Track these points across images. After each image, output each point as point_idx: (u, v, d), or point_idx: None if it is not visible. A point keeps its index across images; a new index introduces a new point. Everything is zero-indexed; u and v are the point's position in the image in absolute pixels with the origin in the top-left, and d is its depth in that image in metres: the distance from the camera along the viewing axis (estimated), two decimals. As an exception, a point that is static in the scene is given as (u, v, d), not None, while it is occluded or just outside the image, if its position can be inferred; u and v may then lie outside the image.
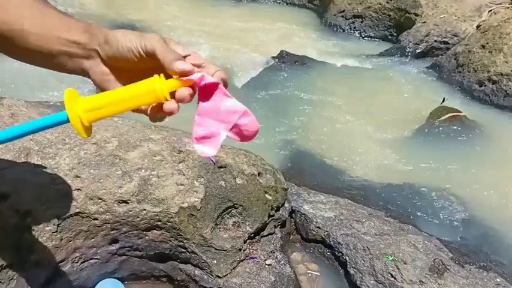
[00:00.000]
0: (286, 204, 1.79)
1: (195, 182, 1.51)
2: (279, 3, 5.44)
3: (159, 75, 0.61)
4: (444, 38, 4.02)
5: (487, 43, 3.48)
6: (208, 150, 0.64)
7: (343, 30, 4.69)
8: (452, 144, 2.68)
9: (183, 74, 0.61)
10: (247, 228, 1.57)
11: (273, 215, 1.68)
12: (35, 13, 0.67)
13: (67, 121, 0.60)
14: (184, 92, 0.61)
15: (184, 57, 0.64)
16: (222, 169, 1.60)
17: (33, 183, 1.34)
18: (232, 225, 1.56)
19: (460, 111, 2.94)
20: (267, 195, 1.67)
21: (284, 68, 3.61)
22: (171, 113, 0.62)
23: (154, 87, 0.60)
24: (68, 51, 0.66)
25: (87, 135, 0.62)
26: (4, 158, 1.37)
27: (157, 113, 0.65)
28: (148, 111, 0.66)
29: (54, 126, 0.61)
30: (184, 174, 1.52)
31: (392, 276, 1.59)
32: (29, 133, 0.61)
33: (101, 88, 0.68)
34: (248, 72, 3.59)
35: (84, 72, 0.68)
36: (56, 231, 1.34)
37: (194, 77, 0.60)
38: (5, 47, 0.70)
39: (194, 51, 0.67)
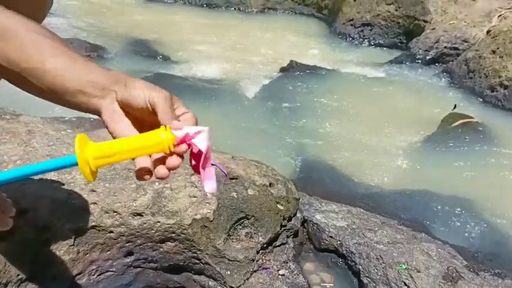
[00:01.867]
0: (298, 214, 1.80)
1: (208, 194, 1.54)
2: (288, 13, 5.48)
3: (165, 127, 0.65)
4: (454, 44, 4.02)
5: (498, 48, 3.47)
6: (211, 185, 0.71)
7: (353, 39, 4.72)
8: (465, 150, 2.67)
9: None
10: (260, 238, 1.59)
11: (285, 225, 1.70)
12: (56, 53, 0.70)
13: (75, 164, 0.63)
14: (175, 162, 0.66)
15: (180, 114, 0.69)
16: (233, 180, 1.62)
17: (50, 198, 1.38)
18: (245, 236, 1.58)
19: (472, 117, 2.94)
20: (278, 206, 1.69)
21: (294, 78, 3.64)
22: (173, 168, 0.66)
23: (160, 138, 0.64)
24: (86, 91, 0.69)
25: (93, 179, 0.66)
26: (22, 174, 1.41)
27: (158, 165, 0.67)
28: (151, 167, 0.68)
29: (63, 168, 0.64)
30: (196, 187, 1.55)
31: (405, 284, 1.59)
32: (39, 173, 0.64)
33: (109, 127, 0.70)
34: (258, 83, 3.62)
35: (97, 112, 0.70)
36: (73, 245, 1.38)
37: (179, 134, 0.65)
38: (18, 82, 0.73)
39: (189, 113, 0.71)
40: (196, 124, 0.70)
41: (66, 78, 0.69)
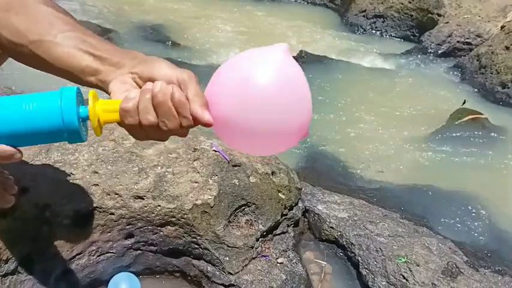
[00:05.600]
0: (299, 204, 1.80)
1: (209, 179, 1.54)
2: (300, 2, 5.43)
3: None
4: (467, 38, 3.96)
5: (511, 44, 3.41)
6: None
7: (364, 30, 4.66)
8: (472, 146, 2.64)
9: (200, 120, 0.65)
10: (260, 226, 1.59)
11: (286, 214, 1.70)
12: (67, 28, 0.70)
13: (87, 118, 0.66)
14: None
15: None
16: (236, 167, 1.62)
17: (52, 177, 1.39)
18: (245, 223, 1.58)
19: (481, 113, 2.90)
20: (280, 194, 1.69)
21: (303, 68, 3.59)
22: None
23: None
24: (96, 67, 0.68)
25: (101, 134, 0.68)
26: (26, 152, 1.42)
27: None
28: None
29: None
30: (198, 172, 1.55)
31: (404, 278, 1.59)
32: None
33: (115, 95, 0.69)
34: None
35: (105, 84, 0.69)
36: (74, 225, 1.39)
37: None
38: (24, 57, 0.72)
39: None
40: None
41: (78, 52, 0.68)
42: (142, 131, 0.67)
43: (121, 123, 0.67)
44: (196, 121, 0.65)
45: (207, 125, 0.65)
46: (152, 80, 0.66)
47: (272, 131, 0.66)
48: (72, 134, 0.65)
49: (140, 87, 0.67)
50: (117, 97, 0.67)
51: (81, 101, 0.68)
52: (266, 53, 0.67)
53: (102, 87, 0.70)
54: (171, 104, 0.63)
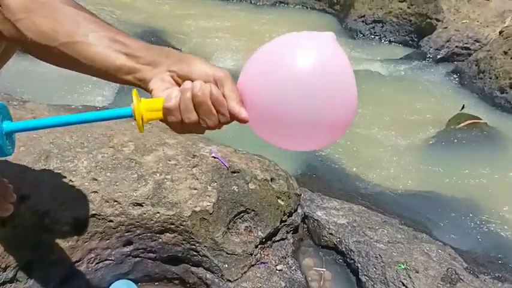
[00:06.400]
0: (299, 210, 1.80)
1: (208, 186, 1.54)
2: (300, 7, 5.45)
3: None
4: (466, 43, 3.97)
5: (510, 49, 3.42)
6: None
7: (363, 35, 4.68)
8: (471, 151, 2.64)
9: (237, 117, 0.67)
10: (259, 233, 1.59)
11: (285, 221, 1.70)
12: (96, 28, 0.70)
13: (131, 116, 0.68)
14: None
15: None
16: (235, 174, 1.62)
17: (52, 185, 1.39)
18: (244, 229, 1.58)
19: (480, 118, 2.90)
20: (279, 201, 1.69)
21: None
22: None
23: None
24: (132, 66, 0.69)
25: (143, 131, 0.71)
26: (25, 160, 1.42)
27: None
28: None
29: (119, 118, 0.70)
30: (197, 179, 1.55)
31: (403, 284, 1.58)
32: (95, 121, 0.71)
33: (156, 94, 0.70)
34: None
35: (144, 82, 0.70)
36: (73, 232, 1.39)
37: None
38: (53, 57, 0.72)
39: None
40: None
41: (111, 52, 0.69)
42: (183, 127, 0.69)
43: (163, 120, 0.70)
44: (233, 117, 0.67)
45: (243, 121, 0.67)
46: (190, 78, 0.68)
47: (313, 123, 0.63)
48: None
49: (179, 85, 0.69)
50: (159, 95, 0.68)
51: (6, 116, 0.68)
52: (312, 38, 0.64)
53: (141, 85, 0.71)
54: (210, 102, 0.66)
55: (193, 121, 0.67)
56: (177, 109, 0.67)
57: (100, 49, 0.68)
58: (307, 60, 0.61)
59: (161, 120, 0.70)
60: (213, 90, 0.66)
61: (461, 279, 1.60)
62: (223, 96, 0.66)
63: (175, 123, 0.68)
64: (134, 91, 0.69)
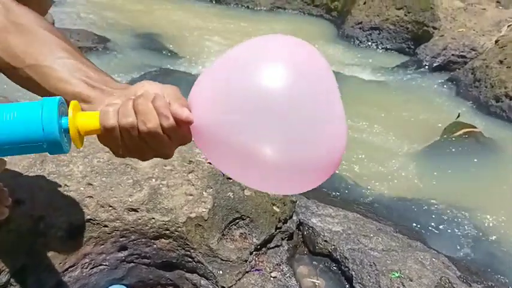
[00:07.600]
0: (294, 217, 1.80)
1: (204, 192, 1.54)
2: (297, 13, 5.47)
3: None
4: (462, 52, 4.00)
5: (505, 58, 3.45)
6: None
7: (360, 42, 4.70)
8: (466, 160, 2.66)
9: (180, 117, 0.63)
10: (254, 239, 1.59)
11: (280, 228, 1.70)
12: (64, 55, 0.71)
13: (67, 130, 0.65)
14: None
15: None
16: (230, 180, 1.63)
17: (46, 189, 1.39)
18: (239, 236, 1.58)
19: (475, 127, 2.92)
20: (274, 208, 1.69)
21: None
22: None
23: None
24: (87, 94, 0.69)
25: (81, 146, 0.68)
26: (20, 164, 1.42)
27: None
28: None
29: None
30: (193, 185, 1.55)
31: (397, 293, 1.59)
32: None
33: None
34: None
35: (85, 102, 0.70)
36: (67, 237, 1.38)
37: None
38: (18, 78, 0.73)
39: None
40: None
41: (73, 80, 0.69)
42: (122, 142, 0.66)
43: (101, 137, 0.68)
44: (176, 121, 0.63)
45: (187, 122, 0.63)
46: None
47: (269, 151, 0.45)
48: (53, 144, 0.64)
49: None
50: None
51: (64, 111, 0.68)
52: (269, 42, 0.50)
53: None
54: (151, 105, 0.63)
55: (130, 123, 0.63)
56: (115, 112, 0.64)
57: (62, 75, 0.69)
58: (272, 70, 0.48)
59: (99, 138, 0.68)
60: (155, 96, 0.63)
61: (455, 288, 1.61)
62: (169, 103, 0.64)
63: (113, 136, 0.65)
64: (72, 102, 0.66)
